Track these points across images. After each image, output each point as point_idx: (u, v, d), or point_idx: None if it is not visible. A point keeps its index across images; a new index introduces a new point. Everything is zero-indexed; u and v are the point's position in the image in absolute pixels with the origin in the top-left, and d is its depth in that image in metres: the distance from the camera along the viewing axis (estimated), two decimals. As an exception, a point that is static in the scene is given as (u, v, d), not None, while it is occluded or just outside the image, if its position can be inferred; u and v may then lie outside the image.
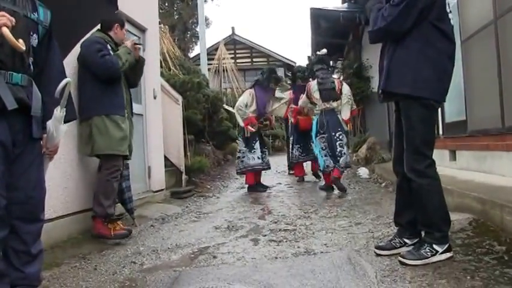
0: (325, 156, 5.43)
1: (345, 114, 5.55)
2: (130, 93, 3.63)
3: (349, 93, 5.66)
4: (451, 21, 2.35)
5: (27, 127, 1.86)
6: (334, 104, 5.44)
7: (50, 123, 1.95)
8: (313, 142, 5.90)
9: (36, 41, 1.89)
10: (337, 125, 5.41)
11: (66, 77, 2.00)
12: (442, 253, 2.26)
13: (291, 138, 6.78)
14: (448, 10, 2.34)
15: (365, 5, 2.40)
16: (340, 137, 5.39)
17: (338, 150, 5.35)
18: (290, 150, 6.76)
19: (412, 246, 2.40)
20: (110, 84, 3.32)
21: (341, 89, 5.51)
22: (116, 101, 3.36)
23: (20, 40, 1.69)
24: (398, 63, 2.32)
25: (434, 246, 2.27)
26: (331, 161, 5.39)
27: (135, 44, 3.49)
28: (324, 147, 5.43)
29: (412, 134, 2.34)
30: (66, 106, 1.97)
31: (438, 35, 2.27)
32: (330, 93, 5.41)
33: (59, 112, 1.95)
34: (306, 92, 5.64)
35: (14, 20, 1.66)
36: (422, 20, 2.24)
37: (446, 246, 2.29)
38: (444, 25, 2.29)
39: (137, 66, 3.55)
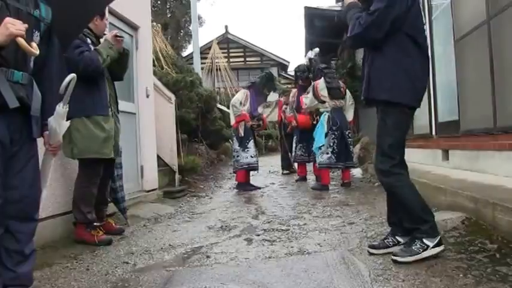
0: (329, 153, 5.53)
1: (350, 115, 5.89)
2: (115, 89, 3.41)
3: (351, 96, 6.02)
4: (425, 32, 2.48)
5: (24, 126, 1.84)
6: (343, 103, 5.74)
7: (52, 120, 1.93)
8: (314, 139, 5.96)
9: (38, 38, 1.87)
10: (347, 124, 5.74)
11: (66, 74, 1.97)
12: (433, 247, 2.30)
13: (294, 137, 6.79)
14: (423, 21, 2.43)
15: (346, 14, 2.54)
16: (349, 135, 5.73)
17: (348, 147, 5.68)
18: (293, 149, 6.80)
19: (404, 244, 2.42)
20: (91, 81, 3.07)
21: (345, 91, 5.82)
22: (98, 100, 3.12)
23: (33, 44, 1.69)
24: (377, 72, 2.45)
25: (425, 240, 2.31)
26: (334, 159, 5.55)
27: (117, 36, 3.19)
28: (331, 144, 5.53)
29: (383, 137, 2.44)
30: (68, 102, 1.96)
31: (412, 45, 2.38)
32: (337, 92, 5.68)
33: (61, 108, 1.93)
34: (313, 90, 5.71)
35: (26, 26, 1.66)
36: (396, 29, 2.35)
37: (437, 240, 2.32)
38: (418, 35, 2.41)
39: (122, 59, 3.29)
